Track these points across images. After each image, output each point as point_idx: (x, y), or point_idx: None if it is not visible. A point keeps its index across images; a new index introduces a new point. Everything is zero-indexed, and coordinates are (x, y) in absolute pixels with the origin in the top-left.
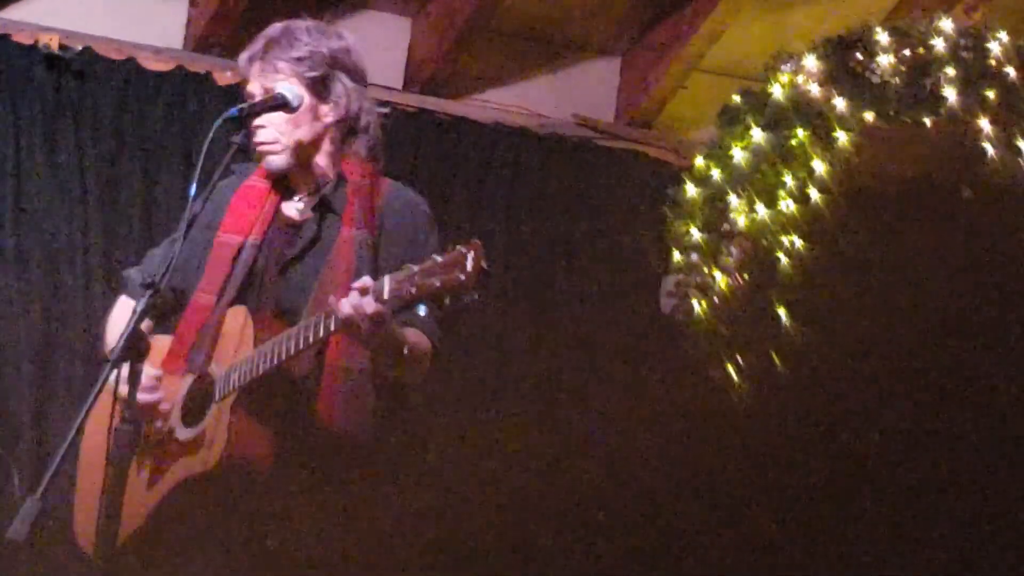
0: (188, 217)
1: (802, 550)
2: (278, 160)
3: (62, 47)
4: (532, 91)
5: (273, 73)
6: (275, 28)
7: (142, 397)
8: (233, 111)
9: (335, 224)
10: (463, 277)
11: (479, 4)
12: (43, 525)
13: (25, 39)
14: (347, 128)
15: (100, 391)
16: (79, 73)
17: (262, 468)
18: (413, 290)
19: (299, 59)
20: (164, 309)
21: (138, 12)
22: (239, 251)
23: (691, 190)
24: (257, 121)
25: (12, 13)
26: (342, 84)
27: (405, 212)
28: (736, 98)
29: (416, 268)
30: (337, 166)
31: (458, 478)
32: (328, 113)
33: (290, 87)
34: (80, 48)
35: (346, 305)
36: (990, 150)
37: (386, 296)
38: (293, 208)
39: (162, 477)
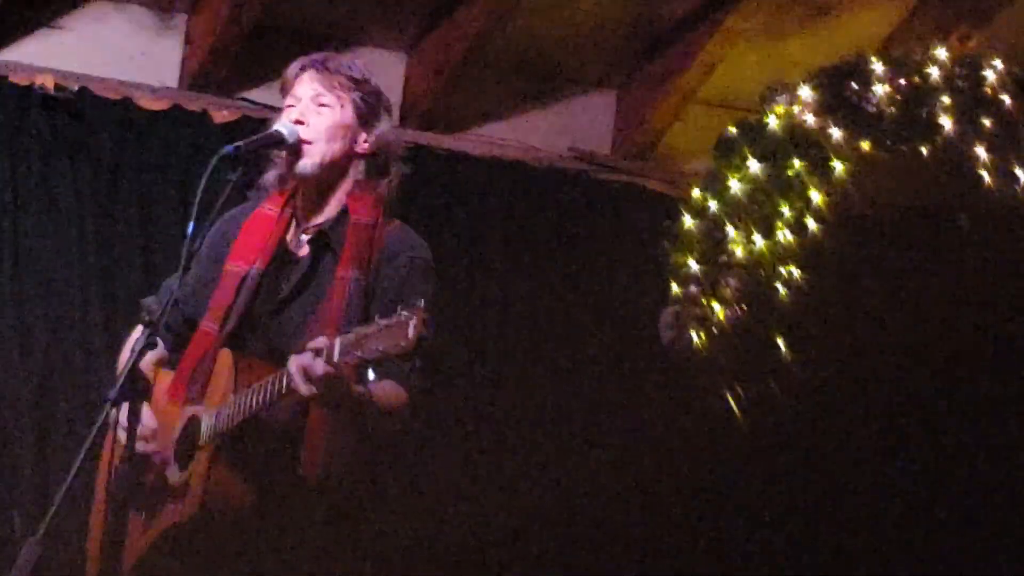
0: (187, 254)
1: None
2: (308, 164)
3: (58, 88)
4: (528, 125)
5: (332, 79)
6: (323, 54)
7: (139, 446)
8: (229, 148)
9: (331, 263)
10: (403, 343)
11: (474, 39)
12: (44, 567)
13: (21, 80)
14: (374, 168)
15: (99, 431)
16: (75, 114)
17: (241, 519)
18: (359, 353)
19: (356, 82)
20: (179, 339)
21: (133, 51)
22: (243, 280)
23: (688, 222)
24: (299, 116)
25: (7, 54)
26: (386, 120)
27: (403, 258)
28: (732, 129)
29: (363, 331)
30: (342, 201)
31: (453, 512)
32: (364, 143)
33: (287, 124)
34: (76, 88)
35: (294, 364)
36: (986, 178)
37: (336, 358)
38: (296, 239)
39: (153, 521)
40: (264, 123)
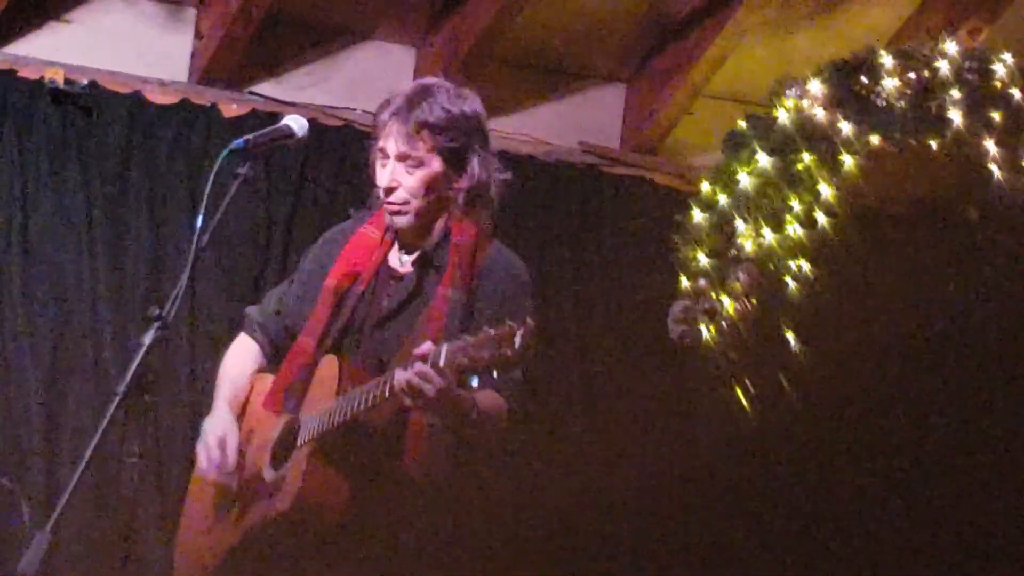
0: (195, 248)
1: (811, 572)
2: (404, 220)
3: (68, 81)
4: (537, 119)
5: (416, 135)
6: (414, 87)
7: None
8: (239, 142)
9: (435, 281)
10: (509, 353)
11: (483, 33)
12: (53, 559)
13: (31, 74)
14: (473, 200)
15: (107, 425)
16: (85, 107)
17: (335, 516)
18: (466, 360)
19: (441, 129)
20: (278, 348)
21: (143, 45)
22: (343, 297)
23: (698, 216)
24: (389, 182)
25: (17, 48)
26: (478, 156)
27: (503, 277)
28: (741, 123)
29: (470, 339)
30: (447, 224)
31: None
32: (462, 184)
33: (296, 117)
34: (85, 82)
35: (401, 375)
36: (996, 171)
37: (442, 363)
38: (397, 259)
39: (245, 516)
40: (274, 117)
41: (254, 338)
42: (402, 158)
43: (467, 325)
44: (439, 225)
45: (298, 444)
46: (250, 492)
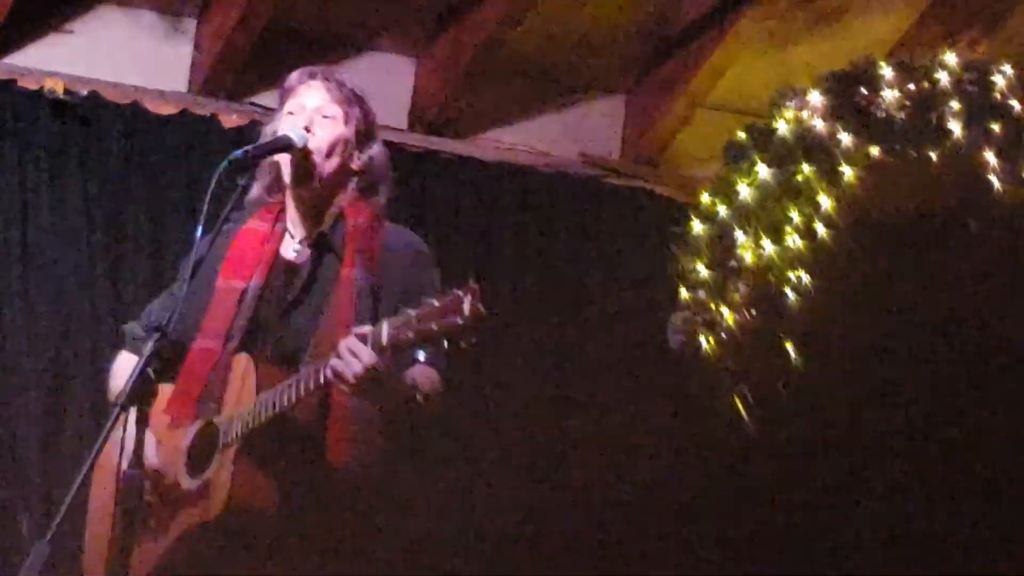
0: (194, 260)
1: None
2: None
3: (67, 92)
4: (537, 130)
5: (338, 92)
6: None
7: (147, 456)
8: (238, 153)
9: (334, 264)
10: (460, 321)
11: (483, 44)
12: (51, 570)
13: (30, 84)
14: (366, 185)
15: (107, 436)
16: (84, 118)
17: (265, 516)
18: (411, 335)
19: (359, 98)
20: (168, 357)
21: (142, 56)
22: (242, 295)
23: (697, 227)
24: (305, 123)
25: (17, 59)
26: (379, 147)
27: (406, 253)
28: (741, 134)
29: (414, 313)
30: (339, 205)
31: (465, 509)
32: (356, 162)
33: (296, 129)
34: (85, 93)
35: (342, 349)
36: (996, 183)
37: (385, 342)
38: (291, 250)
39: (168, 527)
40: None
41: (136, 352)
42: (319, 110)
43: (376, 306)
44: (332, 210)
45: (219, 447)
46: (170, 502)
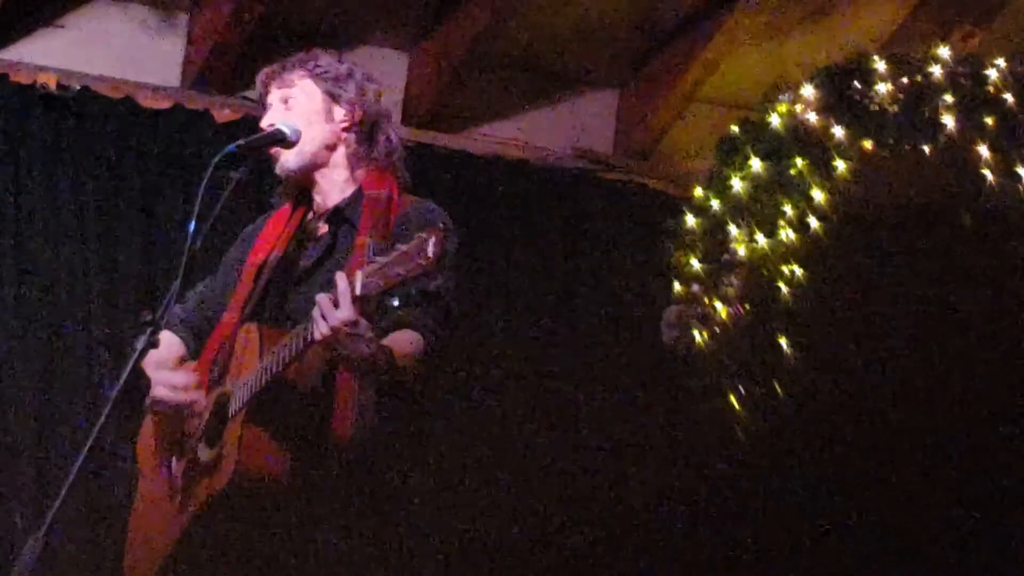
0: (188, 254)
1: None
2: (292, 157)
3: (60, 87)
4: (530, 124)
5: (287, 76)
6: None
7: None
8: (231, 147)
9: (350, 235)
10: (423, 262)
11: (476, 38)
12: (46, 564)
13: (23, 79)
14: (363, 135)
15: (100, 429)
16: (77, 113)
17: (275, 483)
18: (382, 283)
19: (306, 61)
20: (201, 338)
21: (135, 50)
22: (261, 267)
23: (691, 220)
24: (278, 117)
25: (9, 53)
26: (357, 84)
27: (421, 222)
28: (734, 128)
29: (383, 260)
30: (357, 180)
31: (460, 510)
32: (343, 117)
33: (288, 123)
34: (78, 87)
35: (321, 302)
36: (989, 176)
37: (359, 291)
38: (311, 223)
39: (190, 500)
40: None
41: (174, 331)
42: (281, 100)
43: None
44: (338, 175)
45: (230, 415)
46: (188, 475)
